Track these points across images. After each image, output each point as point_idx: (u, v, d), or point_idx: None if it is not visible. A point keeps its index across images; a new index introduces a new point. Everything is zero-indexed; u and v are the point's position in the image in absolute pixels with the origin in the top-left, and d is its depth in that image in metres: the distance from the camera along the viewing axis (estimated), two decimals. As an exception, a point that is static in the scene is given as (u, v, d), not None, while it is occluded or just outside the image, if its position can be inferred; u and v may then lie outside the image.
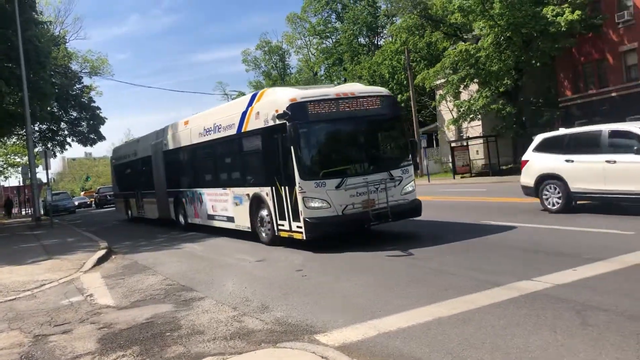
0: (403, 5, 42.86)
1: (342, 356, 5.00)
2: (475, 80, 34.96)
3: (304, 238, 10.75)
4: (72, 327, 6.98)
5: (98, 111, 45.60)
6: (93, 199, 55.74)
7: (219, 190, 14.52)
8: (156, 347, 5.84)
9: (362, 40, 56.32)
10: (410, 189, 11.52)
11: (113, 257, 13.53)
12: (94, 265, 12.03)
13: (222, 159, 14.77)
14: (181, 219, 18.03)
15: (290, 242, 11.59)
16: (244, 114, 12.76)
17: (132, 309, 7.70)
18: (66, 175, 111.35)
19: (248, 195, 12.80)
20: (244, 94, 53.93)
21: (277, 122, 11.01)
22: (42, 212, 31.69)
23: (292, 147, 10.55)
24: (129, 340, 6.18)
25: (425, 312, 6.11)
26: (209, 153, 15.30)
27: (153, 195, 20.46)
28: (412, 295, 6.89)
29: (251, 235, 13.23)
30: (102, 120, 45.98)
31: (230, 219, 14.12)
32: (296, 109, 10.65)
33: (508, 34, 31.95)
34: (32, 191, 29.11)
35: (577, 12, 29.64)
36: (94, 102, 45.88)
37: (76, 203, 51.32)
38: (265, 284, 8.58)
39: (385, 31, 55.08)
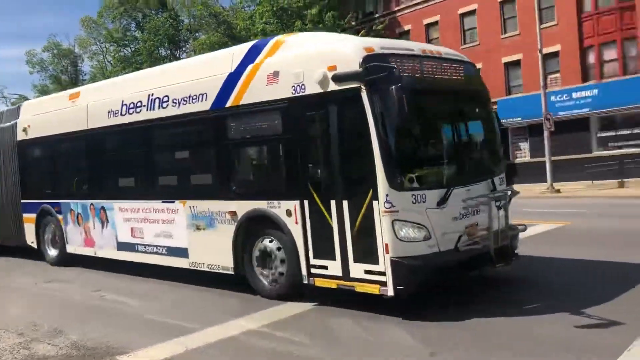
0: (206, 22, 42.88)
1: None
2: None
3: (391, 294, 6.25)
4: None
5: None
6: None
7: (154, 204, 9.38)
8: None
9: (163, 52, 54.81)
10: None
11: None
12: None
13: (165, 153, 9.90)
14: (49, 247, 12.17)
15: (316, 294, 7.18)
16: (232, 76, 8.00)
17: None
18: None
19: (233, 214, 7.96)
20: (26, 98, 47.74)
21: (335, 87, 6.65)
22: None
23: (374, 131, 6.26)
24: None
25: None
26: (131, 142, 10.08)
27: None
28: None
29: (186, 275, 8.85)
30: None
31: (178, 252, 8.96)
32: (379, 65, 6.36)
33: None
34: None
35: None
36: None
37: None
38: None
39: (188, 45, 54.40)
